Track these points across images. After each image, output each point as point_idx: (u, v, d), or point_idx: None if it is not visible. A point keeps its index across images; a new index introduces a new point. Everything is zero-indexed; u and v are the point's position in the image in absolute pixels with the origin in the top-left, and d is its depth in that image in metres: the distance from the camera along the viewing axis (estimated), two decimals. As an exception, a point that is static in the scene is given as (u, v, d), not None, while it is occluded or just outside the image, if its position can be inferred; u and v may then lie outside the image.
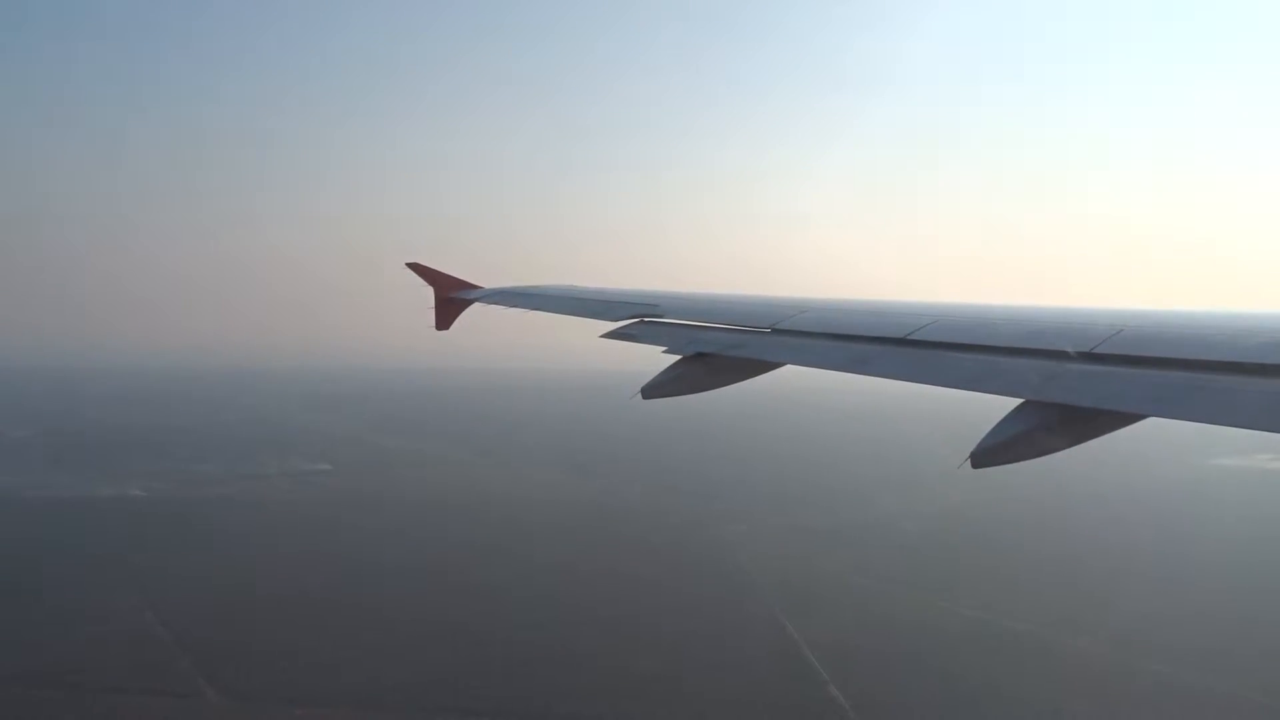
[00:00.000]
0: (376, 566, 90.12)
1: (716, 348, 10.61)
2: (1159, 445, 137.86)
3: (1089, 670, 66.61)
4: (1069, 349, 8.01)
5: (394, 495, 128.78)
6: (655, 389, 10.81)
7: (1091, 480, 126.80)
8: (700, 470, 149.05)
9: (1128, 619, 76.16)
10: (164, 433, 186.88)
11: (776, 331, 10.58)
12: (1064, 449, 7.70)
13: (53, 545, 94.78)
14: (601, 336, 12.13)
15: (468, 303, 15.80)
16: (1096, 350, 7.79)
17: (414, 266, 16.11)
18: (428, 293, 16.08)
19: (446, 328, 15.95)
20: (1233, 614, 76.96)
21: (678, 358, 10.72)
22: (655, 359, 11.04)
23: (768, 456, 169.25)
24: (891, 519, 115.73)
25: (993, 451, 7.53)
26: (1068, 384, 7.55)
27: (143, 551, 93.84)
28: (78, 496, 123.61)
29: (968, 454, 7.64)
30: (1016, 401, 7.71)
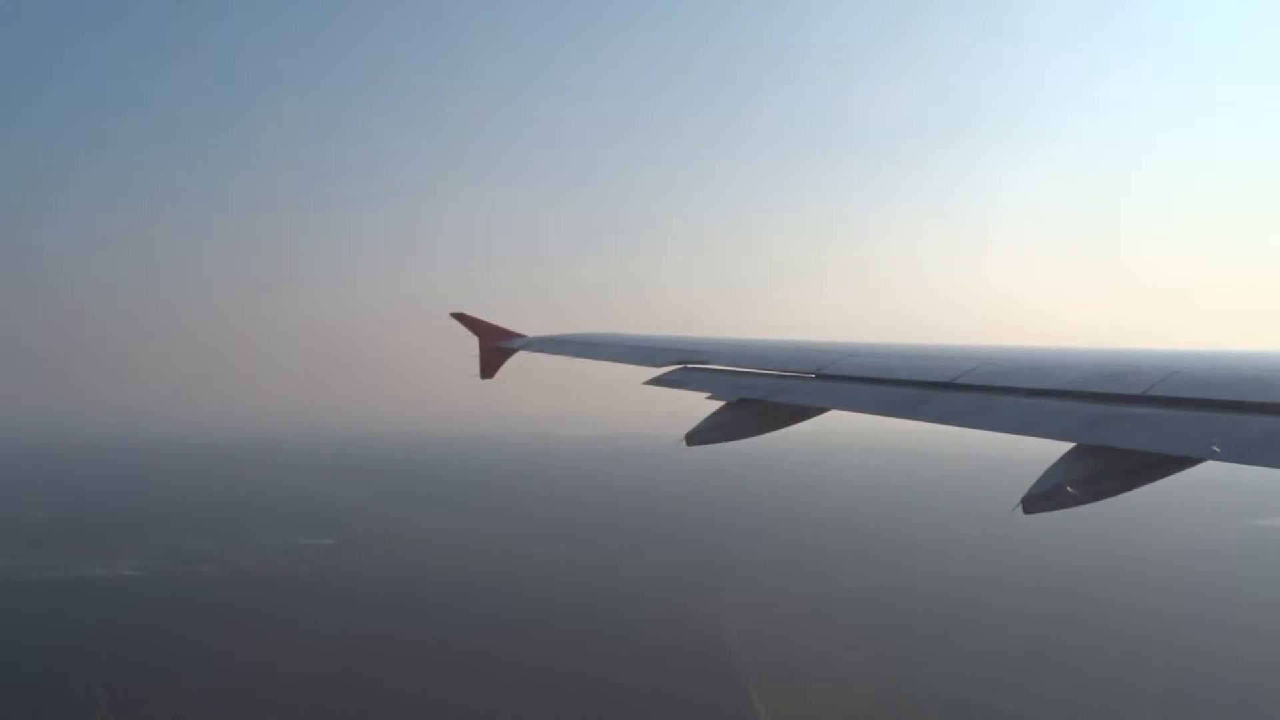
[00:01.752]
0: (340, 650, 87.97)
1: (761, 393, 10.58)
2: (1199, 503, 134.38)
3: None
4: (1119, 391, 7.91)
5: (384, 575, 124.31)
6: (699, 436, 10.78)
7: (1127, 541, 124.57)
8: (716, 539, 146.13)
9: (1138, 706, 72.34)
10: (170, 508, 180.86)
11: (821, 377, 10.54)
12: (1115, 495, 7.58)
13: (22, 629, 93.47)
14: (645, 383, 12.14)
15: (512, 351, 15.91)
16: (1149, 393, 7.69)
17: (459, 316, 16.28)
18: (472, 343, 16.22)
19: (491, 376, 16.06)
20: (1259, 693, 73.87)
21: (721, 404, 10.69)
22: (697, 408, 11.03)
23: (791, 519, 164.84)
24: (904, 586, 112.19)
25: (1044, 498, 7.43)
26: (1118, 428, 7.44)
27: (109, 634, 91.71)
28: (67, 577, 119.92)
29: (1019, 500, 7.55)
30: (1068, 446, 7.62)
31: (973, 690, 74.16)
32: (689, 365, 12.05)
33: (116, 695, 75.10)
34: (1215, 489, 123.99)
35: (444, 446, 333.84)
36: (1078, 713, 69.96)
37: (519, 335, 16.17)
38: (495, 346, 15.99)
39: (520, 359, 15.80)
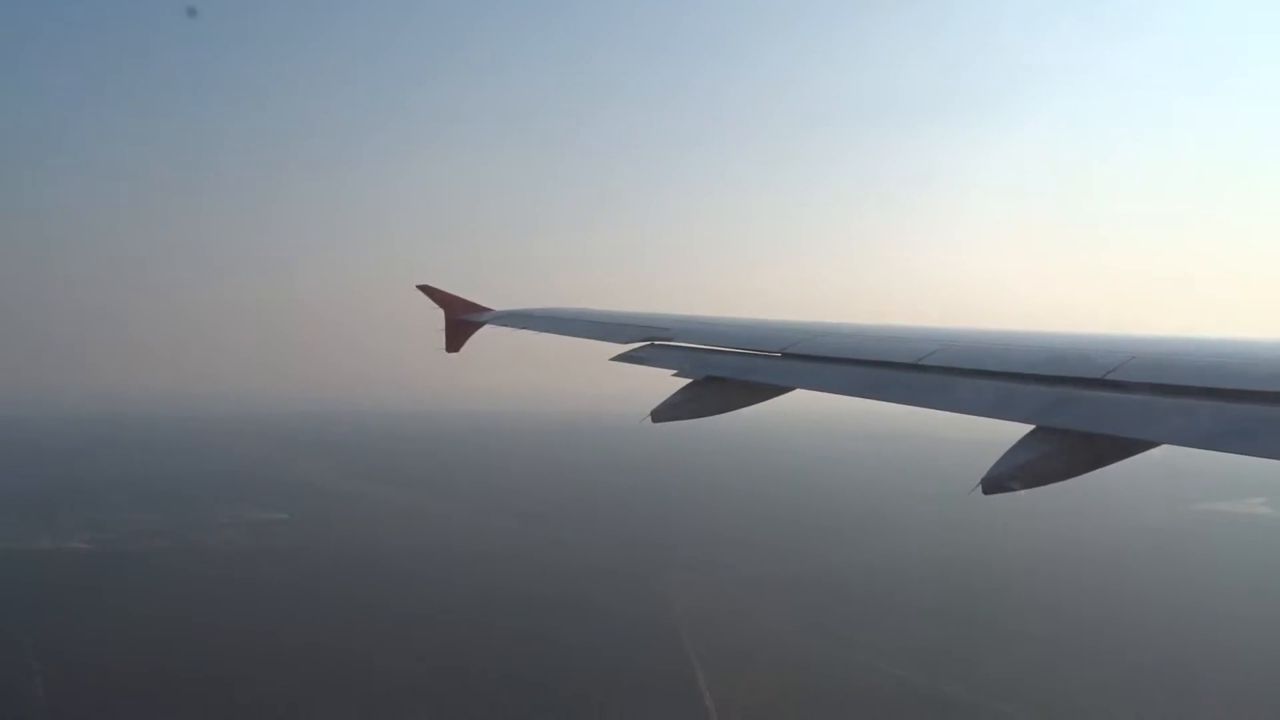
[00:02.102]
0: (285, 623, 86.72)
1: (727, 372, 10.65)
2: (1149, 486, 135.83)
3: None
4: (1079, 374, 8.02)
5: (338, 549, 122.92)
6: (664, 412, 10.82)
7: (1081, 524, 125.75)
8: (678, 513, 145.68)
9: (1071, 685, 72.25)
10: (125, 483, 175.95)
11: (787, 356, 10.61)
12: (1072, 477, 7.70)
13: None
14: (611, 359, 12.16)
15: (478, 325, 15.85)
16: (1108, 377, 7.80)
17: (425, 289, 16.18)
18: (438, 316, 16.13)
19: (457, 350, 15.99)
20: (1197, 675, 74.81)
21: (687, 382, 10.74)
22: (663, 386, 11.06)
23: (751, 497, 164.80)
24: (856, 565, 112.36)
25: (1003, 479, 7.53)
26: (1077, 411, 7.56)
27: (50, 608, 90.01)
28: (12, 550, 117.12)
29: (979, 481, 7.65)
30: (1030, 427, 7.73)
31: (914, 671, 74.47)
32: (656, 342, 12.08)
33: (53, 669, 73.84)
34: (1168, 474, 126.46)
35: (406, 422, 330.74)
36: (1021, 694, 70.13)
37: (486, 309, 16.12)
38: (461, 320, 15.92)
39: (486, 333, 15.75)
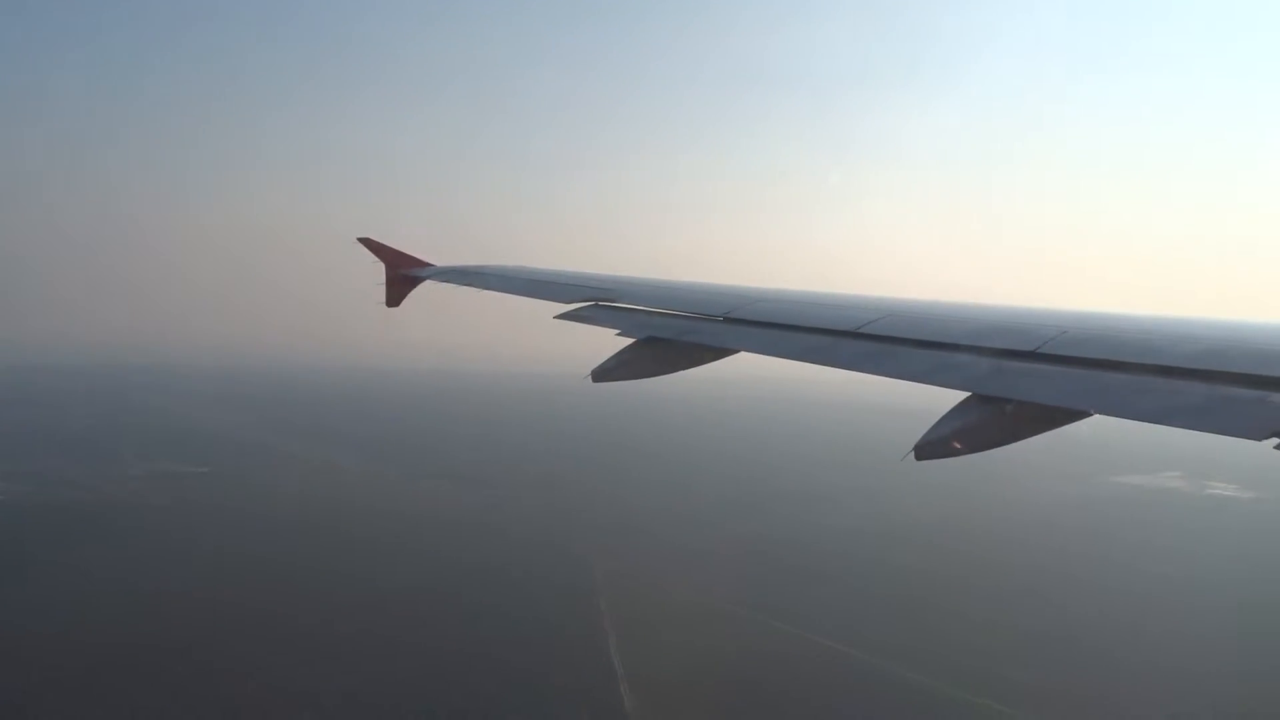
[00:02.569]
0: (194, 577, 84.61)
1: (670, 333, 10.70)
2: (1068, 458, 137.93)
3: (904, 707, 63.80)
4: (1014, 347, 8.22)
5: (254, 503, 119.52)
6: (605, 373, 10.85)
7: (1002, 494, 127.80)
8: (605, 480, 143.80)
9: (971, 652, 72.39)
10: (36, 431, 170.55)
11: (729, 320, 10.70)
12: (1001, 445, 7.92)
13: None
14: (555, 318, 12.16)
15: (419, 281, 15.69)
16: (1040, 350, 8.00)
17: (366, 242, 15.95)
18: (378, 270, 15.92)
19: (397, 304, 15.82)
20: (1082, 642, 75.64)
21: (630, 342, 10.78)
22: (606, 346, 11.08)
23: (685, 462, 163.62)
24: (783, 533, 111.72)
25: (936, 444, 7.71)
26: (1009, 381, 7.76)
27: None
28: None
29: (911, 447, 7.83)
30: (962, 396, 7.92)
31: (833, 639, 74.77)
32: (600, 303, 12.09)
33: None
34: (1088, 447, 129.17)
35: (340, 376, 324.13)
36: (933, 662, 70.33)
37: (427, 264, 15.95)
38: (402, 274, 15.74)
39: (428, 289, 15.61)
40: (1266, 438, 5.64)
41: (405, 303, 15.82)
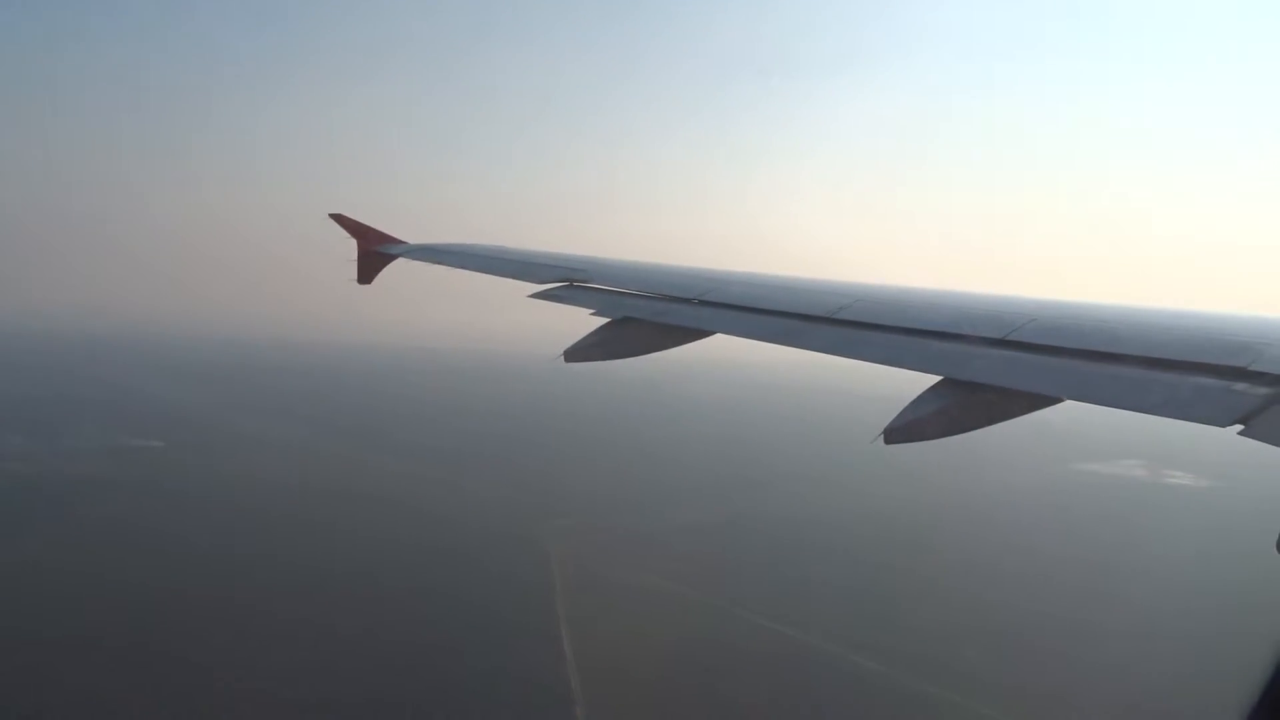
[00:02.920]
0: (136, 556, 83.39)
1: (645, 315, 10.73)
2: (1033, 445, 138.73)
3: (854, 692, 63.67)
4: (983, 334, 8.32)
5: (207, 482, 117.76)
6: (579, 353, 10.86)
7: (967, 480, 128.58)
8: (571, 461, 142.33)
9: (925, 638, 72.49)
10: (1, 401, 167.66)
11: (703, 303, 10.74)
12: (974, 429, 8.03)
13: None
14: (530, 296, 12.15)
15: (391, 258, 15.59)
16: (1009, 337, 8.12)
17: (337, 218, 15.80)
18: (350, 247, 15.79)
19: (368, 282, 15.69)
20: (1032, 629, 76.52)
21: (604, 322, 10.80)
22: (580, 327, 11.08)
23: (653, 444, 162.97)
24: (746, 517, 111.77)
25: (906, 429, 7.82)
26: (979, 366, 7.87)
27: None
28: None
29: (881, 430, 7.93)
30: (932, 381, 8.03)
31: (787, 625, 74.69)
32: (574, 284, 12.09)
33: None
34: (1051, 434, 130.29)
35: (307, 353, 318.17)
36: (870, 646, 70.53)
37: (400, 242, 15.85)
38: (374, 252, 15.62)
39: (400, 267, 15.52)
40: (1231, 425, 5.80)
41: (378, 280, 15.72)
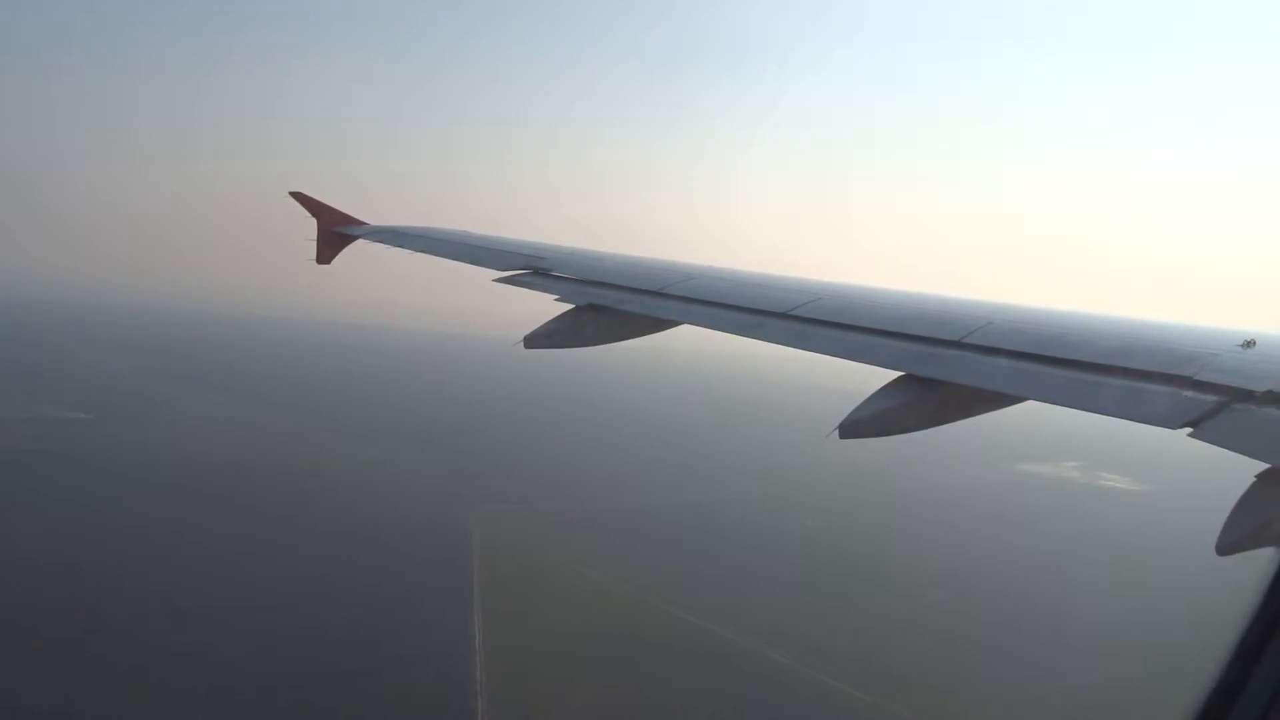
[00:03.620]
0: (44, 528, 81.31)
1: (610, 303, 10.77)
2: (975, 445, 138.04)
3: (765, 687, 63.01)
4: (941, 335, 8.52)
5: (129, 455, 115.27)
6: (540, 339, 10.86)
7: (889, 476, 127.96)
8: (511, 447, 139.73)
9: (849, 635, 72.52)
10: None
11: (664, 295, 10.81)
12: (927, 427, 8.24)
13: None
14: (494, 281, 12.14)
15: (351, 239, 15.47)
16: (965, 340, 8.33)
17: (298, 196, 15.62)
18: (310, 226, 15.63)
19: (328, 262, 15.54)
20: (949, 625, 77.05)
21: (569, 308, 10.82)
22: (538, 317, 11.08)
23: (598, 432, 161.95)
24: (681, 506, 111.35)
25: (861, 424, 8.00)
26: (934, 365, 8.08)
27: None
28: None
29: (836, 425, 8.11)
30: (888, 377, 8.22)
31: (701, 616, 74.08)
32: (538, 271, 12.09)
33: None
34: (992, 436, 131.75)
35: (255, 328, 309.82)
36: (791, 641, 70.28)
37: (361, 223, 15.73)
38: (335, 232, 15.48)
39: (360, 247, 15.40)
40: (1180, 427, 6.06)
41: (340, 259, 15.59)
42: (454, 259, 13.58)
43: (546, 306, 11.12)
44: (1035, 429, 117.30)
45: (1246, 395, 6.16)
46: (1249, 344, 7.07)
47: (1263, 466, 5.73)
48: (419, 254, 14.27)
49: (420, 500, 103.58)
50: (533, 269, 12.11)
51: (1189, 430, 6.00)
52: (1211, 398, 6.22)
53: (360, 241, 15.40)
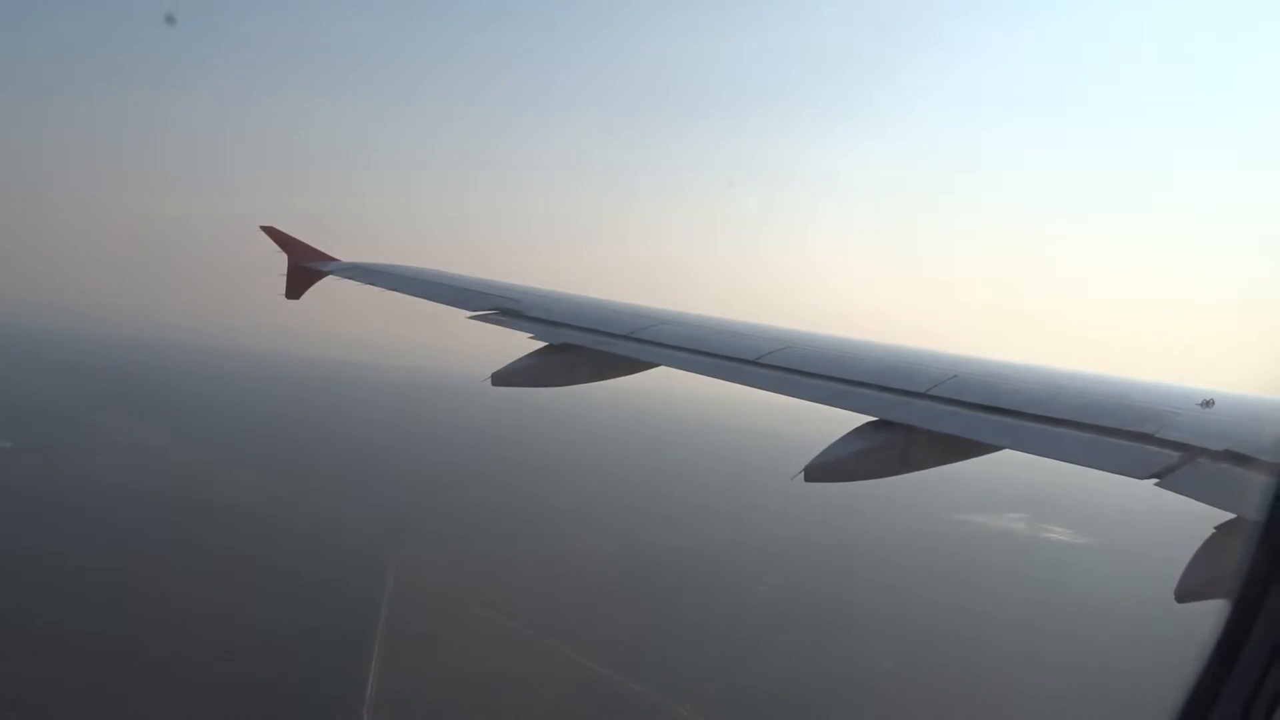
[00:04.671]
0: None
1: (584, 344, 10.83)
2: (922, 495, 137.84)
3: None
4: (906, 387, 8.68)
5: (47, 484, 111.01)
6: (508, 376, 10.88)
7: (832, 522, 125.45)
8: (452, 486, 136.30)
9: (750, 686, 71.82)
10: None
11: (635, 339, 10.89)
12: (895, 474, 8.37)
13: None
14: (469, 318, 12.17)
15: (322, 274, 15.44)
16: (930, 392, 8.49)
17: (269, 230, 15.60)
18: (281, 260, 15.59)
19: (297, 297, 15.48)
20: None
21: (541, 345, 10.86)
22: (509, 356, 11.08)
23: (553, 473, 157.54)
24: (613, 550, 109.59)
25: (827, 467, 8.13)
26: (909, 412, 8.23)
27: None
28: None
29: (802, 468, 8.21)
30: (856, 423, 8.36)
31: (608, 666, 72.78)
32: (509, 311, 12.14)
33: None
34: (946, 485, 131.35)
35: (208, 358, 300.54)
36: (700, 693, 69.83)
37: (332, 259, 15.71)
38: (305, 267, 15.45)
39: (330, 283, 15.37)
40: (1148, 478, 6.30)
41: (306, 296, 15.54)
42: (424, 298, 13.61)
43: (517, 348, 11.15)
44: (983, 483, 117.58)
45: (1207, 452, 6.37)
46: (1208, 403, 7.29)
47: (1219, 519, 5.91)
48: (389, 291, 14.30)
49: (343, 538, 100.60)
50: (504, 309, 12.17)
51: (1155, 481, 6.19)
52: (1175, 453, 6.46)
53: (330, 277, 15.37)
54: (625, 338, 10.86)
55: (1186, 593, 5.87)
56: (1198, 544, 6.16)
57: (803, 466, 8.18)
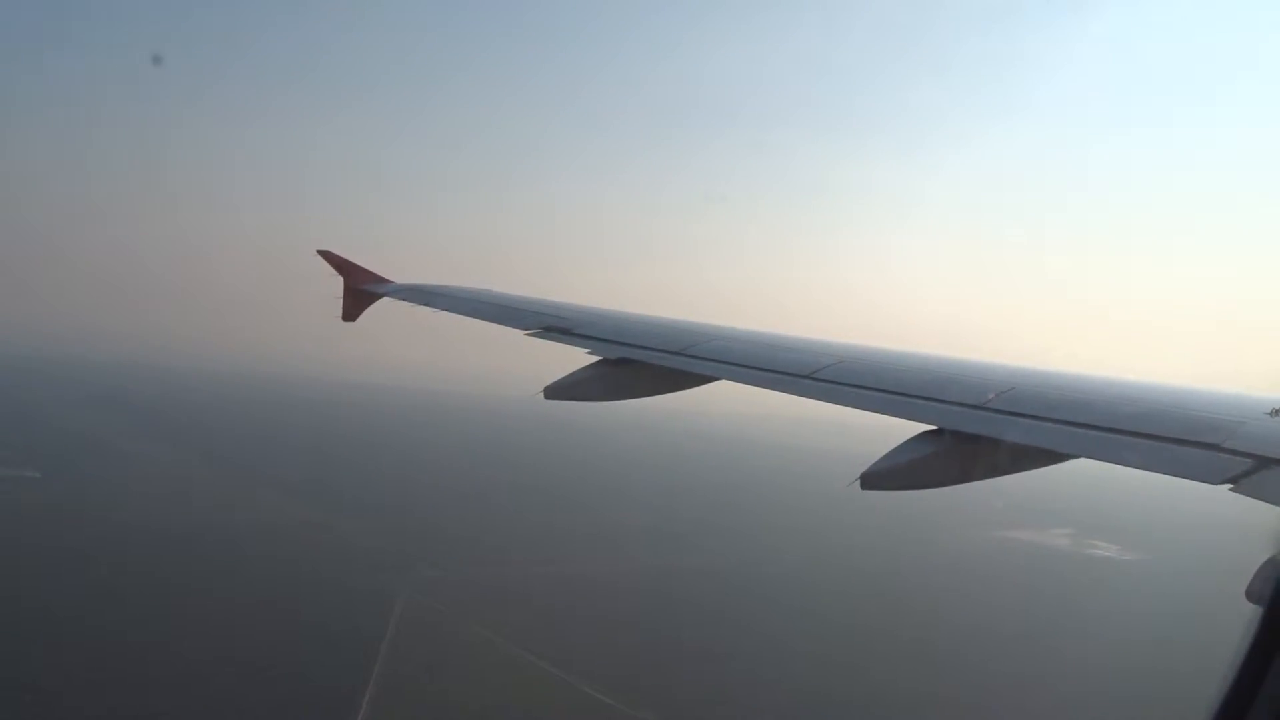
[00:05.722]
0: None
1: (641, 359, 10.92)
2: (959, 512, 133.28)
3: None
4: (964, 400, 8.68)
5: (77, 516, 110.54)
6: (561, 390, 10.98)
7: (871, 540, 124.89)
8: (479, 508, 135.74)
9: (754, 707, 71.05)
10: None
11: (689, 355, 10.96)
12: (952, 484, 8.35)
13: None
14: (527, 334, 12.31)
15: (377, 296, 15.71)
16: (987, 404, 8.49)
17: (325, 254, 15.92)
18: (337, 284, 15.88)
19: (353, 319, 15.77)
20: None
21: (594, 360, 11.00)
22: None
23: (587, 493, 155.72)
24: (629, 574, 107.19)
25: (884, 475, 8.15)
26: (972, 422, 8.24)
27: None
28: None
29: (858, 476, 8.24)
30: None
31: (605, 693, 71.41)
32: (563, 330, 12.25)
33: None
34: (995, 499, 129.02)
35: (264, 387, 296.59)
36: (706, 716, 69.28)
37: (387, 281, 15.99)
38: (361, 289, 15.73)
39: (386, 305, 15.62)
40: (1221, 483, 6.34)
41: (362, 318, 15.82)
42: (479, 318, 13.81)
43: (571, 367, 11.24)
44: (1023, 498, 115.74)
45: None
46: (1277, 412, 7.27)
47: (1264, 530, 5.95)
48: (444, 312, 14.50)
49: (353, 565, 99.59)
50: (558, 328, 12.30)
51: (1230, 486, 6.19)
52: (1248, 460, 6.50)
53: (386, 300, 15.64)
54: (680, 353, 10.95)
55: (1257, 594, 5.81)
56: (1240, 558, 6.14)
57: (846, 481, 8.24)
